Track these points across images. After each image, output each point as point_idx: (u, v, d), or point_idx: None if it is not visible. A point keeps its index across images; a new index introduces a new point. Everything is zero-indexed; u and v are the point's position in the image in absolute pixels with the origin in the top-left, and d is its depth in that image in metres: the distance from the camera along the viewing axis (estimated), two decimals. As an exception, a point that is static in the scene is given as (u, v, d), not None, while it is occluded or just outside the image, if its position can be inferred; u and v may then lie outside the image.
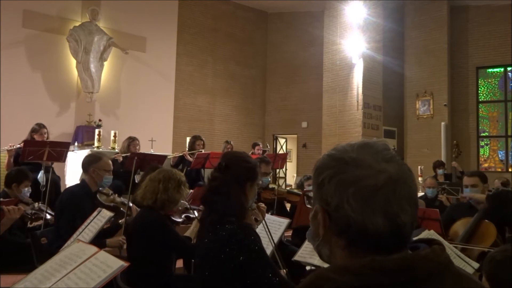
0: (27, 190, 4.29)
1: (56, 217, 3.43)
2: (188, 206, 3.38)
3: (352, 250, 0.80)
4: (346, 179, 0.79)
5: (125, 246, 3.17)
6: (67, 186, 5.77)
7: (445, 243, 2.64)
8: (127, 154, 6.09)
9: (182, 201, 3.04)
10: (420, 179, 8.36)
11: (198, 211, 3.84)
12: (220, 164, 2.08)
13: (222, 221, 1.95)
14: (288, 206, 5.47)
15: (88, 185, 3.44)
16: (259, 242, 1.96)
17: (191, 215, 3.36)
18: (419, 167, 8.94)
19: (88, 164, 3.43)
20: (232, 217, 1.95)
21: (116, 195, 4.28)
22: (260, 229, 2.40)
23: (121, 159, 6.06)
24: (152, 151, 7.42)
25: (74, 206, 3.25)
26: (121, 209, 3.78)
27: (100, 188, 3.65)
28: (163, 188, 2.79)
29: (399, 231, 0.78)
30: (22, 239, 4.01)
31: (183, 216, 3.70)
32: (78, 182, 4.09)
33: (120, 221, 3.43)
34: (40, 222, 4.14)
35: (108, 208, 3.59)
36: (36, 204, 4.29)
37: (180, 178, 2.90)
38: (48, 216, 4.19)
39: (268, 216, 3.18)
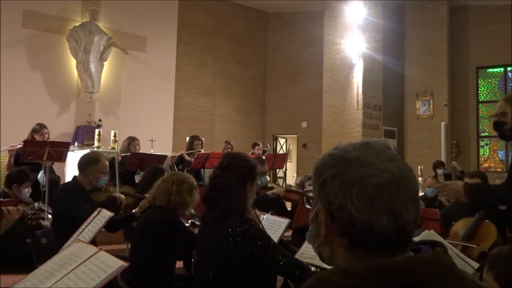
0: (27, 191, 4.28)
1: (54, 216, 3.42)
2: (194, 213, 3.40)
3: (354, 251, 0.79)
4: (349, 178, 0.78)
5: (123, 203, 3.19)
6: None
7: (446, 243, 2.63)
8: (127, 154, 6.09)
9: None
10: (420, 179, 8.35)
11: None
12: (222, 163, 2.13)
13: (224, 217, 1.99)
14: (288, 205, 5.46)
15: (81, 183, 3.38)
16: (263, 230, 2.03)
17: (197, 222, 3.36)
18: (419, 167, 8.93)
19: (85, 164, 3.38)
20: (234, 213, 2.00)
21: (112, 187, 4.26)
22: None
23: (119, 158, 6.05)
24: (152, 151, 7.43)
25: (74, 198, 3.21)
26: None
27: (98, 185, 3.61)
28: (177, 190, 2.80)
29: (403, 230, 0.77)
30: (23, 237, 4.02)
31: (189, 221, 3.71)
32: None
33: (133, 210, 3.41)
34: (40, 221, 4.14)
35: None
36: (36, 204, 4.30)
37: (193, 182, 2.93)
38: (49, 216, 4.20)
39: (268, 216, 3.19)
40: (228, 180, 2.07)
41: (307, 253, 2.77)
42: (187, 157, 6.73)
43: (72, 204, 3.20)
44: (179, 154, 6.95)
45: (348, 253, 0.80)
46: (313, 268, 2.61)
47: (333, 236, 0.81)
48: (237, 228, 1.93)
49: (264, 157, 5.64)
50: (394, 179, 0.77)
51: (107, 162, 3.54)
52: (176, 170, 6.36)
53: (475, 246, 3.23)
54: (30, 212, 3.91)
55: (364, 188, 0.77)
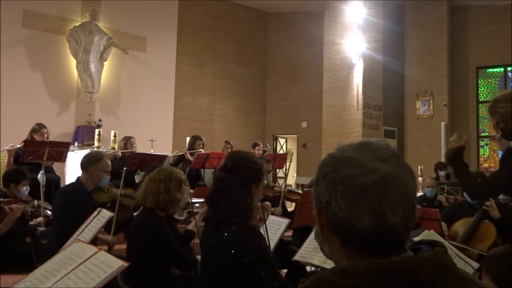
0: (25, 189, 4.26)
1: (53, 218, 3.42)
2: (190, 200, 3.36)
3: (346, 250, 0.80)
4: (336, 177, 0.79)
5: (113, 246, 3.16)
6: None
7: (446, 243, 2.63)
8: (125, 151, 6.11)
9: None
10: (420, 179, 8.35)
11: (200, 204, 3.83)
12: (226, 164, 2.05)
13: (227, 222, 1.94)
14: (289, 205, 5.47)
15: (84, 184, 3.38)
16: (263, 244, 1.96)
17: (194, 210, 3.35)
18: (419, 167, 8.93)
19: (88, 163, 3.39)
20: (237, 218, 1.95)
21: (114, 188, 4.27)
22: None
23: (120, 154, 6.06)
24: (152, 151, 7.42)
25: (67, 205, 3.21)
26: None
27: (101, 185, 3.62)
28: (165, 188, 2.74)
29: (388, 232, 0.76)
30: (23, 237, 4.02)
31: (185, 212, 3.70)
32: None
33: (134, 214, 3.40)
34: (40, 219, 4.15)
35: (105, 206, 3.59)
36: (35, 202, 4.30)
37: (180, 176, 2.86)
38: (49, 212, 4.20)
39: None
40: (232, 184, 1.99)
41: (307, 253, 2.77)
42: (189, 157, 6.73)
43: (63, 210, 3.22)
44: (181, 153, 6.95)
45: (342, 251, 0.81)
46: (313, 268, 2.60)
47: (329, 233, 0.82)
48: (238, 238, 1.89)
49: (268, 157, 5.65)
50: (382, 180, 0.77)
51: (109, 162, 3.55)
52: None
53: (474, 250, 3.23)
54: (30, 210, 3.92)
55: (349, 187, 0.77)
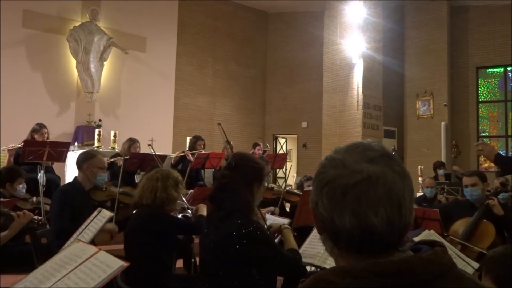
0: (22, 187, 4.22)
1: (51, 217, 3.42)
2: (186, 206, 3.38)
3: (338, 249, 0.81)
4: (323, 179, 0.81)
5: (116, 234, 3.18)
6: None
7: (446, 243, 2.63)
8: (127, 157, 6.06)
9: (179, 201, 3.05)
10: (420, 179, 8.36)
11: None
12: (230, 163, 2.15)
13: (229, 217, 2.01)
14: (288, 206, 5.46)
15: (81, 183, 3.37)
16: (267, 232, 2.08)
17: (188, 215, 3.37)
18: (419, 167, 8.93)
19: (82, 161, 3.39)
20: (239, 214, 2.02)
21: (113, 187, 4.25)
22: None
23: (120, 162, 5.99)
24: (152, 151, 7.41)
25: (65, 203, 3.21)
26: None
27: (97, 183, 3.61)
28: (162, 186, 2.79)
29: (370, 232, 0.76)
30: (23, 237, 4.02)
31: (180, 215, 3.71)
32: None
33: (134, 212, 3.40)
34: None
35: (104, 205, 3.58)
36: (34, 199, 4.27)
37: (177, 177, 2.92)
38: (48, 207, 4.17)
39: (268, 216, 3.20)
40: (235, 181, 2.07)
41: (307, 253, 2.77)
42: (190, 157, 6.72)
43: (60, 208, 3.21)
44: (182, 154, 6.93)
45: (335, 251, 0.82)
46: (313, 268, 2.61)
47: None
48: (242, 230, 1.96)
49: (267, 158, 5.63)
50: (363, 181, 0.77)
51: (104, 158, 3.54)
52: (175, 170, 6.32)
53: (475, 248, 3.22)
54: (37, 218, 3.89)
55: (333, 188, 0.79)
